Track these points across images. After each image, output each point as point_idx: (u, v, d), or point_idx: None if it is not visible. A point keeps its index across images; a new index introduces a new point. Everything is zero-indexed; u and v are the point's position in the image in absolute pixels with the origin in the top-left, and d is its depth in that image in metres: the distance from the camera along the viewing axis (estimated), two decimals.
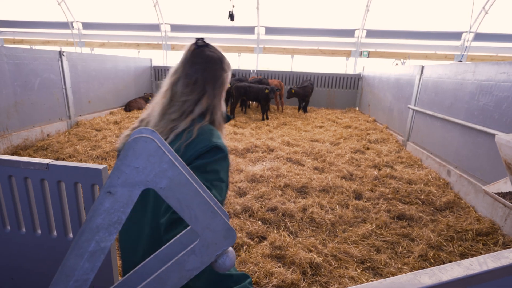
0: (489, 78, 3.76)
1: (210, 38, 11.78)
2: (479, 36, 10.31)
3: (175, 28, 11.78)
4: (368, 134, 6.86)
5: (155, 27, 11.74)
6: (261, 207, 3.49)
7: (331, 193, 4.00)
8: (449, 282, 0.67)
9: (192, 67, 1.16)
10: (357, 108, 9.92)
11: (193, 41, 1.21)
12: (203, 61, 1.16)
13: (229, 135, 6.60)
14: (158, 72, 10.67)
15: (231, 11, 7.30)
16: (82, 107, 6.94)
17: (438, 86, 4.92)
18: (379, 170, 4.83)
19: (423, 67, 5.48)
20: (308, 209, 3.50)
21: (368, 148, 5.96)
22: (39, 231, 2.01)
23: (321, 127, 7.70)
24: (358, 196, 4.01)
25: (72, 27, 12.00)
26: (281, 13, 10.96)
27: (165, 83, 1.19)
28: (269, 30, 11.26)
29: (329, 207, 3.66)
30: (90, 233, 0.55)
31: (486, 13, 9.58)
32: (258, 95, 8.23)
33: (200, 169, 1.01)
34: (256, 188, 3.96)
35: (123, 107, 8.67)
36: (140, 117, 1.26)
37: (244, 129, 7.23)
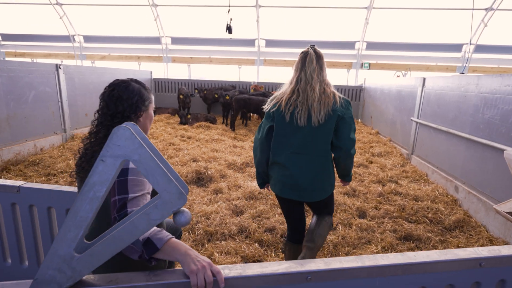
0: (493, 90, 3.61)
1: (210, 50, 11.82)
2: (479, 48, 10.25)
3: (175, 41, 11.83)
4: (372, 147, 6.68)
5: (156, 40, 11.79)
6: (259, 227, 3.29)
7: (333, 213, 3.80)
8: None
9: (319, 60, 2.06)
10: (359, 120, 9.78)
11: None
12: (320, 58, 2.07)
13: (228, 149, 6.45)
14: (159, 85, 10.62)
15: (229, 24, 7.28)
16: (79, 120, 6.83)
17: (440, 99, 4.77)
18: (383, 185, 4.64)
19: (424, 79, 5.36)
20: None
21: (371, 162, 5.77)
22: (9, 261, 1.83)
23: None
24: (362, 214, 3.80)
25: (74, 40, 12.08)
26: (281, 25, 11.00)
27: (294, 76, 2.07)
28: (270, 43, 11.27)
29: None
30: (89, 186, 0.82)
31: (486, 25, 9.55)
32: (258, 107, 8.12)
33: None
34: (254, 206, 3.76)
35: None
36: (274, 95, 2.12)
37: (244, 142, 7.08)
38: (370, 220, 3.67)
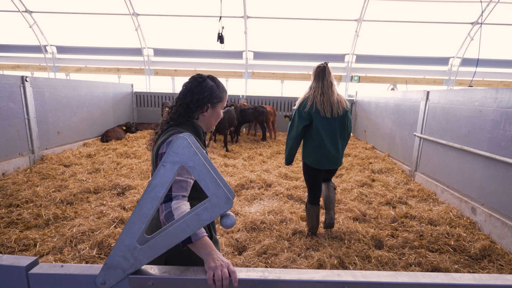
0: None
1: (196, 62, 11.33)
2: (466, 61, 10.41)
3: (158, 52, 11.28)
4: (371, 163, 6.35)
5: (137, 51, 11.19)
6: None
7: (346, 241, 3.34)
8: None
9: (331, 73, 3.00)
10: (351, 134, 9.52)
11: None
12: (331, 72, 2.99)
13: (220, 168, 5.91)
14: (141, 99, 9.96)
15: (220, 33, 6.83)
16: (50, 139, 6.08)
17: (449, 113, 4.50)
18: (394, 208, 4.25)
19: (428, 92, 5.11)
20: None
21: (374, 180, 5.41)
22: None
23: None
24: (378, 243, 3.36)
25: (46, 51, 11.24)
26: (270, 37, 10.73)
27: (317, 84, 2.99)
28: (258, 55, 10.95)
29: (348, 262, 2.99)
30: (152, 187, 0.96)
31: (472, 39, 9.71)
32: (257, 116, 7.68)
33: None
34: (258, 240, 3.23)
35: (99, 137, 7.83)
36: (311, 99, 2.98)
37: (236, 160, 6.55)
38: (388, 250, 3.23)
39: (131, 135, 8.17)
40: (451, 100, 4.45)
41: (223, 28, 6.72)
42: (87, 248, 2.97)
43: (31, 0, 10.11)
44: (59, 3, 10.15)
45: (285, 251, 3.07)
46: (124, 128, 8.39)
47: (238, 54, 11.04)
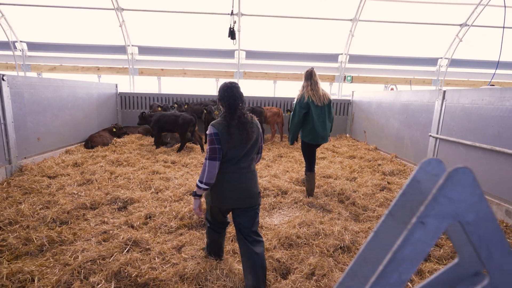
0: None
1: (184, 62, 10.72)
2: (454, 62, 10.67)
3: (143, 50, 10.53)
4: (379, 165, 6.17)
5: (121, 49, 10.37)
6: None
7: None
8: None
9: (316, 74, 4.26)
10: (348, 135, 9.38)
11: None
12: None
13: None
14: (125, 100, 9.20)
15: (231, 27, 6.29)
16: (29, 146, 5.31)
17: (472, 113, 4.38)
18: None
19: (445, 91, 4.99)
20: None
21: (389, 183, 5.20)
22: None
23: (323, 158, 6.88)
24: (426, 256, 3.09)
25: (15, 47, 10.13)
26: (263, 36, 10.38)
27: (308, 83, 4.22)
28: (250, 54, 10.55)
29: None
30: (395, 264, 0.56)
31: (461, 40, 9.95)
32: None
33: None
34: (300, 259, 2.84)
35: (83, 143, 7.06)
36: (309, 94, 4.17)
37: None
38: (437, 262, 2.97)
39: (118, 140, 7.45)
40: (475, 99, 4.33)
41: (234, 22, 6.23)
42: (103, 281, 2.43)
43: None
44: None
45: (334, 269, 2.71)
46: (114, 130, 7.66)
47: (229, 53, 10.58)
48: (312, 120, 4.13)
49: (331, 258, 2.90)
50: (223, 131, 2.20)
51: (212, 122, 2.25)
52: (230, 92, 2.27)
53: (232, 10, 6.20)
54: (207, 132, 2.25)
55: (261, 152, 2.51)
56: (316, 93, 4.12)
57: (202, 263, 2.69)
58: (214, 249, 2.73)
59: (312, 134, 4.20)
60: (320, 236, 3.26)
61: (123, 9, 9.49)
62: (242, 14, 9.29)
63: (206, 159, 2.22)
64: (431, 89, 5.31)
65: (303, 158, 4.77)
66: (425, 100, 5.53)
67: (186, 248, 3.02)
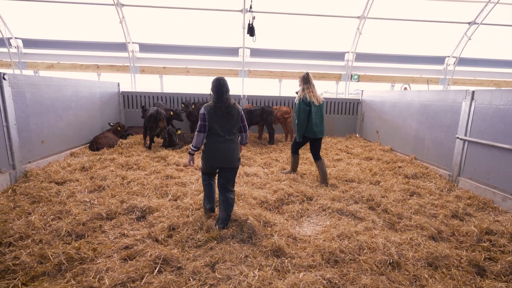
0: None
1: (187, 60, 10.36)
2: (462, 61, 10.56)
3: (145, 48, 10.13)
4: (400, 167, 5.96)
5: (121, 47, 9.95)
6: None
7: (443, 269, 2.81)
8: None
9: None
10: (357, 135, 9.18)
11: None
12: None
13: (242, 179, 5.16)
14: (128, 99, 8.81)
15: (251, 23, 5.96)
16: (33, 149, 4.94)
17: (508, 115, 4.19)
18: (462, 220, 3.83)
19: (473, 92, 4.80)
20: None
21: (416, 187, 4.98)
22: None
23: (339, 159, 6.65)
24: (481, 271, 2.87)
25: (10, 44, 9.62)
26: (268, 34, 10.07)
27: (307, 85, 4.93)
28: (255, 52, 10.24)
29: None
30: None
31: (469, 38, 9.84)
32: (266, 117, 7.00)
33: None
34: (352, 278, 2.59)
35: (88, 145, 6.69)
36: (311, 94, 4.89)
37: (251, 168, 5.83)
38: (495, 278, 2.75)
39: (124, 141, 7.10)
40: (511, 100, 4.14)
41: (253, 18, 5.89)
42: None
43: None
44: None
45: None
46: (119, 128, 7.31)
47: (233, 51, 10.26)
48: (312, 118, 4.82)
49: (383, 276, 2.66)
50: (210, 111, 3.20)
51: (204, 105, 3.26)
52: (218, 84, 3.26)
53: (250, 5, 5.88)
54: (200, 111, 3.25)
55: (245, 131, 3.52)
56: (314, 94, 4.85)
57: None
58: (209, 200, 3.65)
59: (312, 130, 4.88)
60: (365, 250, 3.02)
61: (123, 5, 9.07)
62: (247, 11, 8.98)
63: (196, 131, 3.26)
64: (458, 89, 5.12)
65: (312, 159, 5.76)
66: (449, 101, 5.34)
67: (220, 266, 2.74)
